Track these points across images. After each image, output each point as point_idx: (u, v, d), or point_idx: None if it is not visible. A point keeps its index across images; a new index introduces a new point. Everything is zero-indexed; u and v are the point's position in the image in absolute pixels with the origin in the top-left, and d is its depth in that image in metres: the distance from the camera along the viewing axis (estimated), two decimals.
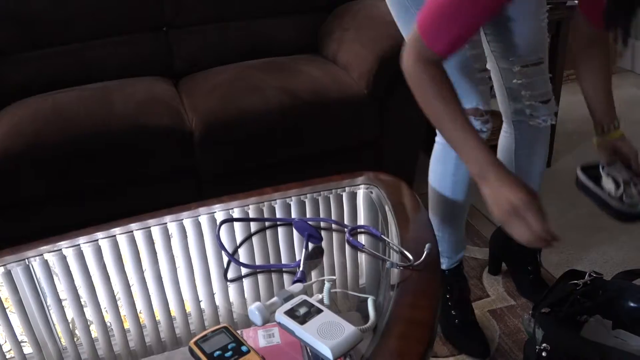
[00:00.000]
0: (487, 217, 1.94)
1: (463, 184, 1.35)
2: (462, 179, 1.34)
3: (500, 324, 1.52)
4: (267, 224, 1.09)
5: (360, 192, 1.18)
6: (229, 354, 0.74)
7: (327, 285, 0.86)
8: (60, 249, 1.06)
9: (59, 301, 0.94)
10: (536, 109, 1.38)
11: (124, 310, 0.91)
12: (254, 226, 1.09)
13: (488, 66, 1.37)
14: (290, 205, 1.15)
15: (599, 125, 1.16)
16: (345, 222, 1.08)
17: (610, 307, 1.18)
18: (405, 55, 0.99)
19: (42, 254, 1.05)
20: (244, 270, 0.97)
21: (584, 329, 1.15)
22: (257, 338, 0.80)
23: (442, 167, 1.36)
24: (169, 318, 0.88)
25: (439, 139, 1.36)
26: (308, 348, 0.74)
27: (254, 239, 1.05)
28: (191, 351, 0.76)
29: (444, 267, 1.47)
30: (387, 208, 1.10)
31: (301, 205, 1.14)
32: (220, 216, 1.13)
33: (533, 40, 1.31)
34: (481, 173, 0.95)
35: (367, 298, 0.83)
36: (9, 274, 1.02)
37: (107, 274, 0.99)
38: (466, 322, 1.47)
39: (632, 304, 1.17)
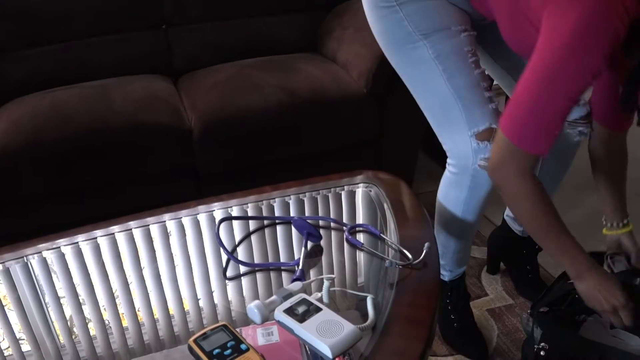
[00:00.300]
0: (486, 216, 1.94)
1: (476, 209, 1.27)
2: (475, 206, 1.27)
3: (499, 323, 1.52)
4: (266, 222, 1.09)
5: (360, 191, 1.18)
6: (228, 352, 0.74)
7: (326, 283, 0.86)
8: (59, 247, 1.06)
9: (57, 299, 0.94)
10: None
11: (122, 308, 0.91)
12: (253, 224, 1.09)
13: (506, 85, 1.35)
14: (289, 203, 1.15)
15: (608, 221, 1.23)
16: (344, 220, 1.08)
17: None
18: (499, 169, 1.02)
19: (40, 252, 1.05)
20: (242, 269, 0.97)
21: (582, 328, 1.15)
22: (256, 336, 0.79)
23: (454, 193, 1.27)
24: (168, 316, 0.88)
25: (450, 167, 1.26)
26: (307, 346, 0.74)
27: (253, 237, 1.05)
28: (190, 349, 0.76)
29: (445, 279, 1.42)
30: (386, 207, 1.10)
31: (300, 204, 1.14)
32: (219, 214, 1.13)
33: None
34: (580, 275, 1.07)
35: (366, 296, 0.83)
36: (7, 272, 1.01)
37: (106, 272, 0.99)
38: (465, 325, 1.46)
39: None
